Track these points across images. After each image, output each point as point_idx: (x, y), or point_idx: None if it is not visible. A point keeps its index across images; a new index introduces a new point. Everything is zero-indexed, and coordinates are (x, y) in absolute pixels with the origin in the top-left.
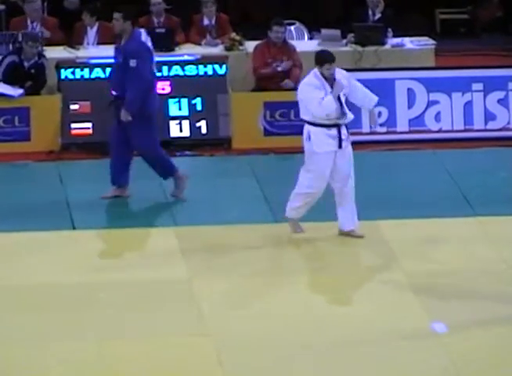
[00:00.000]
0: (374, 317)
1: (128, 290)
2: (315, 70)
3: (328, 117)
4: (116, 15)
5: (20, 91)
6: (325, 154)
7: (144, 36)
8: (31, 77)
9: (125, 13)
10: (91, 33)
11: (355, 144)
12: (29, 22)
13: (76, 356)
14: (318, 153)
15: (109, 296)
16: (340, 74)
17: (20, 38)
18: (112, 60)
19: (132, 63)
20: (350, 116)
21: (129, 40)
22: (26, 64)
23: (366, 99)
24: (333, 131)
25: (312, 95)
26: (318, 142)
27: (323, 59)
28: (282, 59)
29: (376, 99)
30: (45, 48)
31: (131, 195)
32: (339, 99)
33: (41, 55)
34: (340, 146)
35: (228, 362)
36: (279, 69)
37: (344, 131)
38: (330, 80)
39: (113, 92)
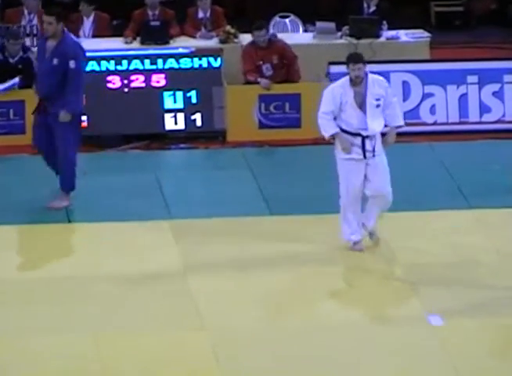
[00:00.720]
0: (369, 310)
1: (122, 283)
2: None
3: (348, 126)
4: (49, 18)
5: (16, 79)
6: (347, 161)
7: (72, 35)
8: (19, 72)
9: (58, 15)
10: (88, 23)
11: None
12: (26, 13)
13: (70, 349)
14: (340, 159)
15: (103, 289)
16: (375, 82)
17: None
18: (107, 53)
19: (72, 64)
20: (374, 128)
21: (63, 41)
22: (11, 60)
23: (392, 117)
24: (357, 139)
25: (322, 102)
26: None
27: (347, 58)
28: (272, 59)
29: (401, 122)
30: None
31: (127, 188)
32: (362, 107)
33: (26, 49)
34: (364, 157)
35: (224, 356)
36: (267, 74)
37: (370, 142)
38: (357, 83)
39: (41, 95)
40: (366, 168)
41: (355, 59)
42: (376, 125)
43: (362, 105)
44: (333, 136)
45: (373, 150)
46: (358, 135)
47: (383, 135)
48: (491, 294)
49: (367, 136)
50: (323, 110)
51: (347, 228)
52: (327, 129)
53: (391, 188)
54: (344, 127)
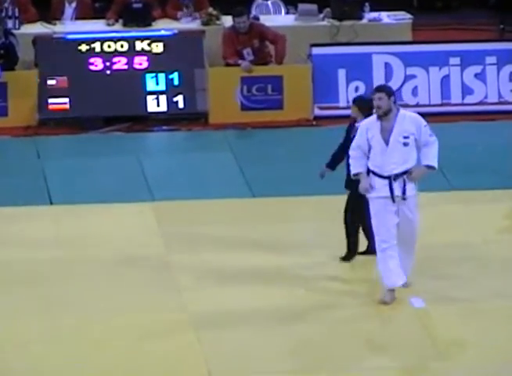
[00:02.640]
0: (352, 290)
1: (105, 265)
2: None
3: (374, 165)
4: None
5: None
6: (375, 199)
7: None
8: (1, 57)
9: None
10: (70, 9)
11: (332, 118)
12: None
13: (55, 331)
14: (370, 198)
15: (86, 271)
16: (407, 118)
17: None
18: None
19: None
20: (396, 168)
21: None
22: None
23: (425, 155)
24: (385, 181)
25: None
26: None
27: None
28: (252, 43)
29: (433, 163)
30: (22, 23)
31: (109, 170)
32: (388, 144)
33: (8, 33)
34: (393, 200)
35: (206, 337)
36: (248, 59)
37: (399, 185)
38: (382, 116)
39: None
40: (397, 207)
41: (377, 88)
42: (399, 165)
43: (388, 141)
44: (357, 175)
45: (404, 193)
46: (387, 178)
47: None
48: (473, 276)
49: (395, 179)
50: (352, 144)
51: (389, 274)
52: (353, 167)
53: (416, 236)
54: (371, 167)
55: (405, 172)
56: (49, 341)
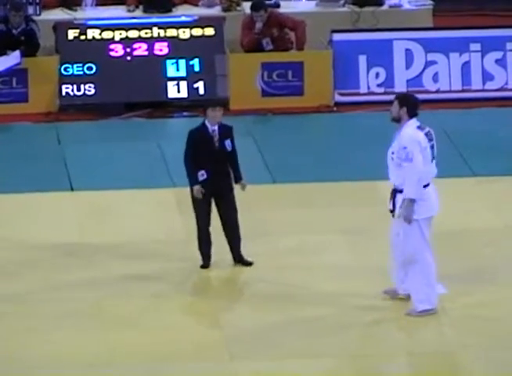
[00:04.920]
0: (371, 277)
1: (126, 251)
2: None
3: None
4: None
5: (17, 53)
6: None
7: None
8: (22, 44)
9: None
10: None
11: (352, 105)
12: None
13: (74, 313)
14: None
15: (105, 259)
16: (402, 134)
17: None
18: (110, 21)
19: None
20: (392, 180)
21: None
22: (14, 32)
23: (404, 181)
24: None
25: None
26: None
27: None
28: (272, 32)
29: (407, 194)
30: (42, 9)
31: (130, 156)
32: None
33: (29, 20)
34: (392, 211)
35: (227, 323)
36: (268, 48)
37: (399, 197)
38: (391, 120)
39: None
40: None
41: (396, 95)
42: (393, 178)
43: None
44: None
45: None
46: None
47: None
48: (492, 262)
49: (398, 190)
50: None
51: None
52: None
53: (419, 257)
54: None
55: (397, 189)
56: (67, 327)
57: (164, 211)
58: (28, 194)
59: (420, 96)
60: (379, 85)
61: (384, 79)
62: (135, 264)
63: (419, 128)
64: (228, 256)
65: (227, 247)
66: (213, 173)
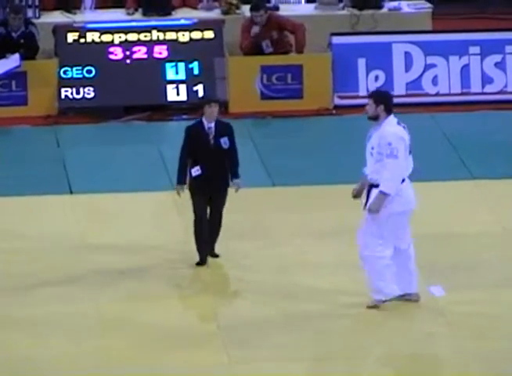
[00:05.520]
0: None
1: (124, 253)
2: None
3: None
4: None
5: (16, 56)
6: None
7: None
8: (21, 47)
9: None
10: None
11: (352, 107)
12: None
13: (73, 315)
14: None
15: (106, 260)
16: (381, 130)
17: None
18: (110, 24)
19: None
20: (370, 175)
21: None
22: (14, 35)
23: (380, 177)
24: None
25: None
26: None
27: None
28: (271, 35)
29: (382, 188)
30: (41, 12)
31: (129, 159)
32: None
33: (28, 23)
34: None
35: (223, 316)
36: (267, 51)
37: (374, 192)
38: (368, 119)
39: None
40: None
41: (369, 93)
42: (370, 173)
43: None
44: None
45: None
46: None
47: None
48: (493, 265)
49: (374, 186)
50: None
51: None
52: None
53: (367, 252)
54: None
55: (373, 184)
56: (68, 328)
57: (163, 213)
58: (27, 197)
59: (420, 99)
60: (378, 88)
61: (384, 82)
62: (135, 266)
63: (399, 123)
64: (227, 257)
65: (225, 248)
66: (208, 170)
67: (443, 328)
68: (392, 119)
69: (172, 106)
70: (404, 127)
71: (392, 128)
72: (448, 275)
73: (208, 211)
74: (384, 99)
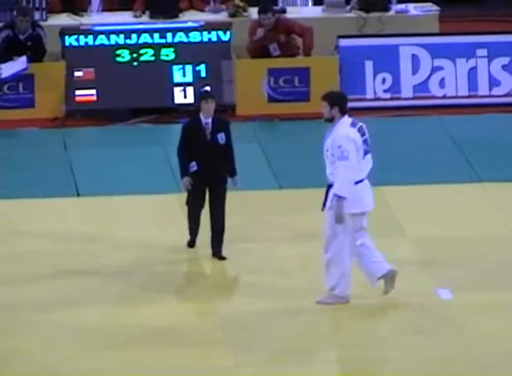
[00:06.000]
0: (379, 284)
1: (131, 255)
2: None
3: None
4: None
5: (23, 58)
6: None
7: None
8: (28, 49)
9: None
10: (96, 0)
11: (359, 110)
12: None
13: (79, 318)
14: None
15: (113, 263)
16: (335, 132)
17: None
18: (117, 27)
19: None
20: (329, 177)
21: None
22: (21, 37)
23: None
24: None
25: None
26: None
27: None
28: (279, 38)
29: (336, 192)
30: (48, 15)
31: (136, 162)
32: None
33: (35, 25)
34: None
35: (230, 328)
36: (275, 54)
37: (330, 191)
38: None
39: None
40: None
41: (323, 95)
42: (328, 175)
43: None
44: None
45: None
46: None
47: None
48: (499, 269)
49: (331, 186)
50: None
51: None
52: None
53: (329, 255)
54: None
55: (331, 185)
56: (71, 330)
57: (170, 215)
58: (34, 200)
59: (427, 102)
60: (385, 91)
61: (391, 85)
62: (141, 267)
63: (352, 125)
64: (234, 260)
65: (232, 250)
66: (205, 165)
67: (450, 330)
68: (346, 120)
69: (179, 108)
70: (361, 127)
71: (344, 131)
72: (455, 278)
73: (209, 212)
74: (338, 100)
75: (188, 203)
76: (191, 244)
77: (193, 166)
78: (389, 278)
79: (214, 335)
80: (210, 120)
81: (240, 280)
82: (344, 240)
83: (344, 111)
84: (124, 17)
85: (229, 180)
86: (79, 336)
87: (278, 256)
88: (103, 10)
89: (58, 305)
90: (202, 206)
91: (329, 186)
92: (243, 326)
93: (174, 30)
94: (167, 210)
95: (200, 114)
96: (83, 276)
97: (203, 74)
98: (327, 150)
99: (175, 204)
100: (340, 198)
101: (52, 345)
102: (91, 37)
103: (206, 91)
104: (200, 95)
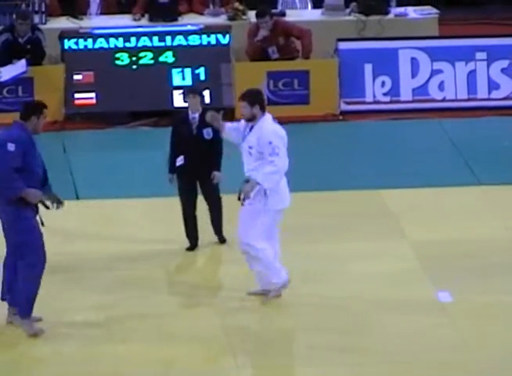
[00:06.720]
0: (379, 287)
1: (132, 259)
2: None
3: None
4: None
5: (23, 61)
6: None
7: None
8: (28, 52)
9: None
10: (94, 4)
11: (358, 113)
12: None
13: (78, 320)
14: None
15: (112, 266)
16: (259, 130)
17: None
18: (116, 30)
19: None
20: (250, 173)
21: None
22: (20, 40)
23: (260, 171)
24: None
25: None
26: None
27: None
28: (278, 41)
29: (261, 181)
30: (48, 18)
31: (136, 165)
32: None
33: (35, 29)
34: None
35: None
36: (274, 57)
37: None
38: (248, 121)
39: None
40: None
41: (241, 95)
42: (249, 171)
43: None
44: None
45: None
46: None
47: None
48: (499, 272)
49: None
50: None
51: None
52: None
53: (251, 242)
54: None
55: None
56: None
57: (170, 218)
58: None
59: (426, 105)
60: (385, 94)
61: (390, 88)
62: (141, 272)
63: (274, 120)
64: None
65: (228, 254)
66: (190, 159)
67: (449, 333)
68: (268, 117)
69: (179, 111)
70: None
71: (271, 127)
72: (455, 281)
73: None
74: (257, 98)
75: (180, 199)
76: (190, 248)
77: (180, 160)
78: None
79: (214, 336)
80: (197, 115)
81: (239, 281)
82: (263, 233)
83: (264, 108)
84: (123, 20)
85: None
86: (81, 339)
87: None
88: (102, 13)
89: (56, 307)
90: (194, 202)
91: (248, 181)
92: (243, 326)
93: (174, 34)
94: (166, 213)
95: (188, 110)
96: (82, 280)
97: (202, 78)
98: (251, 147)
99: (175, 207)
100: (258, 184)
101: (53, 346)
102: (90, 40)
103: (191, 86)
104: (185, 92)
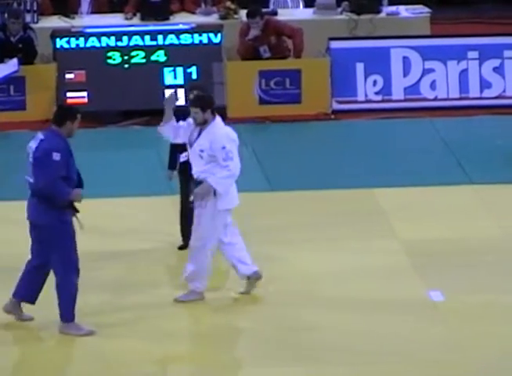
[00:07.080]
0: (369, 286)
1: (123, 258)
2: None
3: None
4: None
5: (14, 60)
6: None
7: None
8: (20, 51)
9: None
10: (85, 3)
11: (350, 112)
12: None
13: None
14: None
15: (107, 265)
16: (211, 134)
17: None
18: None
19: None
20: (196, 174)
21: None
22: (12, 39)
23: (212, 173)
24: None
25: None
26: None
27: None
28: (269, 40)
29: (213, 184)
30: (39, 17)
31: (127, 164)
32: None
33: (27, 27)
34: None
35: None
36: (265, 56)
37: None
38: (198, 125)
39: None
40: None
41: (191, 102)
42: (199, 173)
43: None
44: None
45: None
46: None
47: None
48: (492, 270)
49: (197, 185)
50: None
51: None
52: None
53: (200, 244)
54: None
55: (200, 182)
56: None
57: (163, 218)
58: (25, 202)
59: (418, 104)
60: (376, 93)
61: (382, 87)
62: (135, 271)
63: (225, 124)
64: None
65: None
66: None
67: (441, 333)
68: (219, 120)
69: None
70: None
71: (223, 130)
72: (447, 280)
73: None
74: (208, 103)
75: (181, 195)
76: (182, 247)
77: (184, 156)
78: (253, 280)
79: (213, 335)
80: None
81: (239, 280)
82: (217, 234)
83: (214, 113)
84: (115, 19)
85: None
86: (78, 339)
87: (270, 258)
88: (93, 12)
89: (51, 308)
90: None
91: (199, 183)
92: (243, 326)
93: (166, 33)
94: (160, 212)
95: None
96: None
97: (194, 76)
98: (202, 151)
99: (168, 205)
100: (210, 186)
101: (53, 347)
102: (82, 39)
103: (194, 81)
104: (187, 88)
